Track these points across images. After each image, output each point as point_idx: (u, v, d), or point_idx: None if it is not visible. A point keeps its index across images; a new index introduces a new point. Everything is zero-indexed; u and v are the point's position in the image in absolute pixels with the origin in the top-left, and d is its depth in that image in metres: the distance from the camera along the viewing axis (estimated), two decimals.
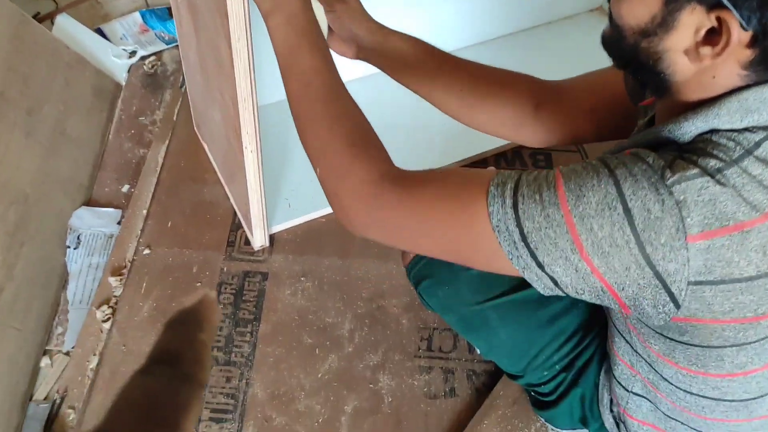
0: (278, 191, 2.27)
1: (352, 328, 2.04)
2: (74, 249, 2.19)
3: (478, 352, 1.90)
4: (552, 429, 1.76)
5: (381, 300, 2.10)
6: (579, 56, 1.95)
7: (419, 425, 1.87)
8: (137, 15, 2.92)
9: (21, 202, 2.03)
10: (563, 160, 2.45)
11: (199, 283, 2.10)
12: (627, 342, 1.36)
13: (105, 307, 2.05)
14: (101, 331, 2.01)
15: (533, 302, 1.52)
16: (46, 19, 2.72)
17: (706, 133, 1.01)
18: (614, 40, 1.08)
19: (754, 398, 1.22)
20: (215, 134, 2.15)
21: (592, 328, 1.55)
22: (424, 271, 1.63)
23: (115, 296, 2.08)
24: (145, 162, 2.41)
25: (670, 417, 1.36)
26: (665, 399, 1.33)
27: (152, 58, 2.81)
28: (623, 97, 1.39)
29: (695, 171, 0.96)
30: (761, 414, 1.25)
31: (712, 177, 0.95)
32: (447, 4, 2.61)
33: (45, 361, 1.99)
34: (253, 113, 1.71)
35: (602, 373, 1.53)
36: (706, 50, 0.96)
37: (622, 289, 1.03)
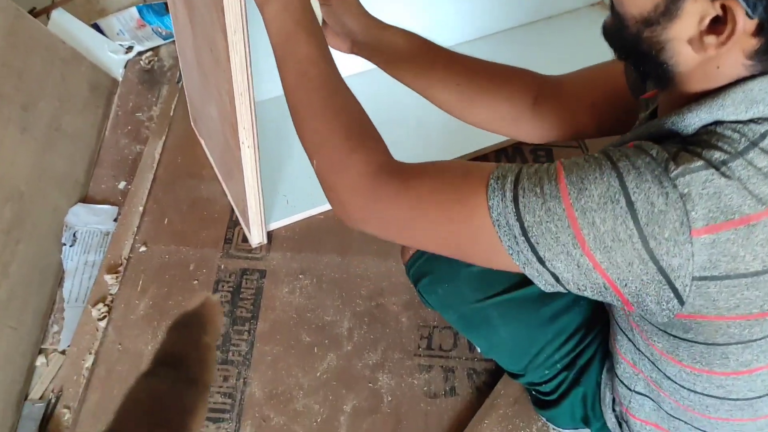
0: (276, 188, 2.26)
1: (351, 327, 2.03)
2: (70, 246, 2.18)
3: (479, 350, 1.89)
4: (553, 428, 1.75)
5: (380, 298, 2.09)
6: (580, 51, 1.94)
7: (419, 425, 1.85)
8: (134, 10, 2.90)
9: (16, 199, 2.02)
10: (564, 155, 2.40)
11: (196, 281, 2.08)
12: (629, 340, 1.34)
13: (101, 305, 2.03)
14: (97, 330, 1.99)
15: (534, 300, 1.51)
16: (41, 14, 2.71)
17: (711, 124, 1.00)
18: (616, 30, 1.07)
19: (760, 397, 1.20)
20: (212, 130, 2.14)
21: (594, 326, 1.54)
22: (424, 269, 1.62)
23: (111, 294, 2.06)
24: (141, 158, 2.40)
25: (673, 416, 1.35)
26: (668, 398, 1.31)
27: (149, 53, 2.81)
28: (624, 91, 1.38)
29: (700, 163, 0.94)
30: (767, 413, 1.24)
31: (717, 169, 0.94)
32: None
33: (41, 360, 1.98)
34: (250, 108, 1.69)
35: (604, 371, 1.52)
36: (711, 39, 0.94)
37: (625, 285, 1.02)
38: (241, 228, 2.21)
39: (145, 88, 2.67)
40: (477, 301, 1.55)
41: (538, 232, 1.01)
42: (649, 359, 1.30)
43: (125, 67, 2.74)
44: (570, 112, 1.47)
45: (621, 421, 1.50)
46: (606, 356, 1.52)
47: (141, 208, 2.25)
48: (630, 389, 1.41)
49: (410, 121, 2.39)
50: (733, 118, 0.98)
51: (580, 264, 1.01)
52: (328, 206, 1.92)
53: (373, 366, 1.95)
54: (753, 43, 0.93)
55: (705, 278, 0.98)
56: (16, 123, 2.09)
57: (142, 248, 2.15)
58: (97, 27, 2.81)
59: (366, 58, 1.56)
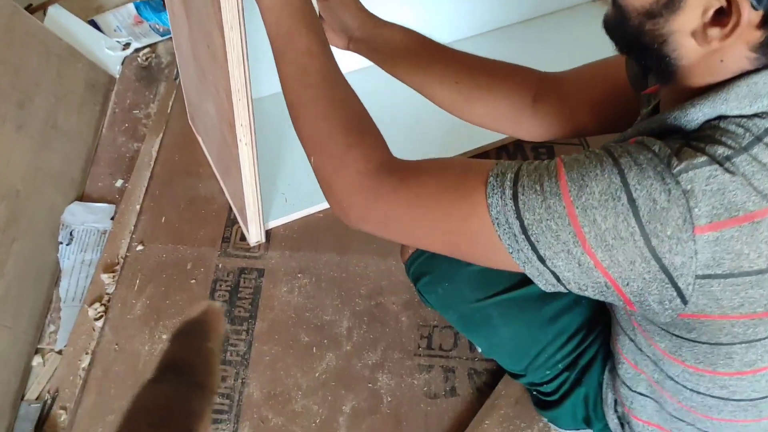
0: (274, 185, 2.25)
1: (351, 326, 2.01)
2: (67, 245, 2.17)
3: (479, 350, 1.88)
4: (555, 429, 1.74)
5: (380, 297, 2.07)
6: (580, 48, 1.94)
7: (419, 425, 1.84)
8: (131, 6, 2.90)
9: (12, 197, 2.01)
10: (565, 152, 2.39)
11: (193, 281, 2.07)
12: (631, 340, 1.33)
13: (97, 304, 2.02)
14: (93, 330, 1.98)
15: (535, 299, 1.50)
16: (38, 10, 2.71)
17: (714, 119, 0.98)
18: (617, 23, 1.05)
19: (764, 398, 1.19)
20: (210, 127, 2.13)
21: (596, 326, 1.53)
22: (424, 268, 1.61)
23: (107, 294, 2.05)
24: (138, 156, 2.40)
25: (676, 417, 1.34)
26: (671, 399, 1.30)
27: (146, 50, 2.80)
28: (625, 88, 1.37)
29: (703, 159, 0.93)
30: None
31: (721, 165, 0.92)
32: None
33: (37, 360, 1.97)
34: (248, 105, 1.68)
35: (606, 372, 1.51)
36: (714, 32, 0.93)
37: (627, 284, 1.00)
38: (239, 226, 2.20)
39: (142, 85, 2.66)
40: (477, 301, 1.54)
41: (538, 231, 1.00)
42: (651, 359, 1.29)
43: (122, 64, 2.73)
44: (570, 110, 1.46)
45: (623, 422, 1.49)
46: (608, 356, 1.51)
47: (138, 207, 2.24)
48: (632, 390, 1.40)
49: (409, 118, 2.38)
50: (737, 112, 0.96)
51: (581, 262, 1.00)
52: (327, 204, 1.90)
53: (373, 366, 1.94)
54: (757, 35, 0.92)
55: (708, 276, 0.96)
56: (12, 120, 2.08)
57: (139, 247, 2.14)
58: (94, 23, 2.80)
59: (363, 55, 1.55)
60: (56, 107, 2.30)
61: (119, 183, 2.35)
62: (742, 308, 1.00)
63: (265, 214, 2.11)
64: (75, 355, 1.94)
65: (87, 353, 1.94)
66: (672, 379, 1.26)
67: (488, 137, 2.38)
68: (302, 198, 2.22)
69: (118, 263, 2.11)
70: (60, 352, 1.98)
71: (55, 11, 2.69)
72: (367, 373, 1.92)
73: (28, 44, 2.25)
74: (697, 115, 0.99)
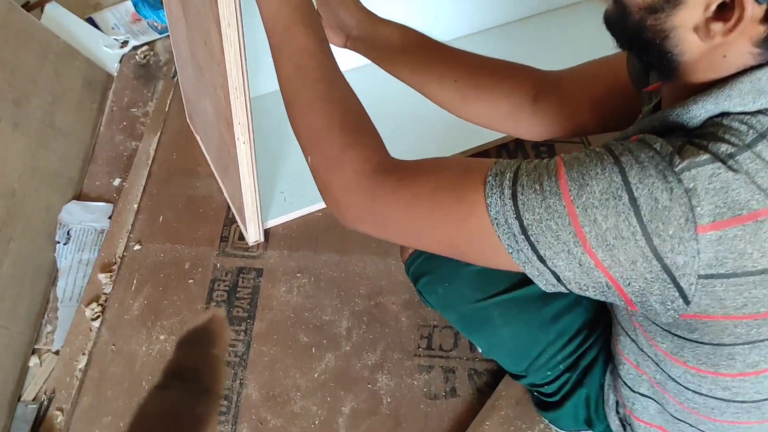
0: (273, 184, 2.24)
1: (350, 326, 2.01)
2: (64, 245, 2.16)
3: (480, 350, 1.86)
4: (556, 430, 1.73)
5: (379, 297, 2.07)
6: (580, 46, 1.94)
7: (419, 426, 1.83)
8: (129, 4, 2.89)
9: (8, 196, 2.01)
10: (566, 151, 2.39)
11: (191, 280, 2.07)
12: (632, 340, 1.32)
13: (94, 304, 2.02)
14: (90, 330, 1.98)
15: (536, 300, 1.49)
16: (35, 7, 2.70)
17: (717, 116, 0.97)
18: (618, 19, 1.04)
19: (766, 399, 1.17)
20: (207, 126, 2.12)
21: (597, 326, 1.52)
22: (424, 268, 1.60)
23: (104, 294, 2.05)
24: (136, 155, 2.39)
25: (678, 419, 1.33)
26: (673, 400, 1.29)
27: (145, 48, 2.80)
28: (626, 86, 1.36)
29: (706, 157, 0.92)
30: None
31: (724, 163, 0.91)
32: None
33: (34, 361, 1.96)
34: (246, 103, 1.68)
35: (608, 373, 1.50)
36: (717, 27, 0.92)
37: (628, 284, 0.99)
38: (238, 226, 2.19)
39: (140, 83, 2.66)
40: (477, 301, 1.53)
41: (538, 231, 0.99)
42: (652, 360, 1.28)
43: (120, 61, 2.73)
44: (570, 108, 1.46)
45: (625, 423, 1.48)
46: (610, 357, 1.50)
47: (135, 206, 2.23)
48: (633, 391, 1.39)
49: (408, 117, 2.37)
50: (740, 109, 0.95)
51: (582, 262, 0.99)
52: None
53: (372, 366, 1.93)
54: (761, 30, 0.91)
55: (711, 276, 0.95)
56: (9, 119, 2.07)
57: (137, 246, 2.13)
58: (91, 21, 2.80)
59: (361, 53, 1.55)
60: (53, 105, 2.29)
61: (117, 182, 2.35)
62: (745, 308, 0.99)
63: (263, 214, 2.11)
64: (71, 356, 1.93)
65: (84, 354, 1.93)
66: (674, 380, 1.25)
67: (488, 136, 2.37)
68: (301, 197, 2.22)
69: (116, 263, 2.10)
70: (57, 353, 1.97)
71: (52, 9, 2.69)
72: (367, 373, 1.92)
73: (25, 42, 2.24)
74: (699, 111, 0.97)
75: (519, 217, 1.00)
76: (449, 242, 1.12)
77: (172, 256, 2.12)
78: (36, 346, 1.99)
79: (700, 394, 1.21)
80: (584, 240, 0.96)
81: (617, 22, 1.05)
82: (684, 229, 0.92)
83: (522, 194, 1.00)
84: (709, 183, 0.90)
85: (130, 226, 2.18)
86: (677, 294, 0.98)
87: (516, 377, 1.66)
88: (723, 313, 1.00)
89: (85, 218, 2.22)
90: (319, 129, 1.19)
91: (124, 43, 2.76)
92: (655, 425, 1.39)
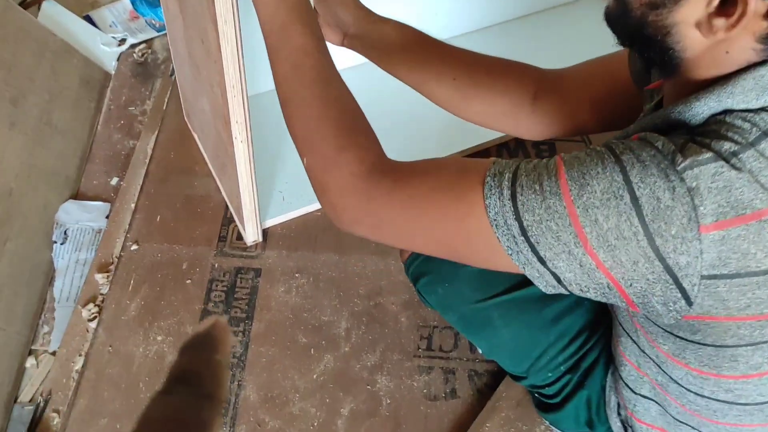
0: (271, 184, 2.24)
1: (349, 327, 2.00)
2: (61, 244, 2.15)
3: (480, 351, 1.86)
4: None
5: (379, 297, 2.06)
6: (580, 44, 1.94)
7: (419, 428, 1.82)
8: (127, 2, 2.89)
9: (5, 196, 2.00)
10: (568, 150, 2.39)
11: (189, 281, 2.05)
12: (633, 342, 1.31)
13: (91, 305, 2.00)
14: (87, 331, 1.97)
15: (536, 300, 1.49)
16: (32, 5, 2.71)
17: (720, 113, 0.97)
18: (619, 15, 1.04)
19: None
20: (205, 124, 2.11)
21: (599, 327, 1.51)
22: (423, 268, 1.60)
23: (101, 294, 2.04)
24: (134, 154, 2.38)
25: (679, 421, 1.32)
26: (675, 402, 1.29)
27: (142, 46, 2.79)
28: (627, 85, 1.35)
29: (708, 155, 0.91)
30: None
31: (727, 161, 0.90)
32: None
33: (30, 362, 1.95)
34: (243, 102, 1.67)
35: (609, 374, 1.50)
36: (720, 22, 0.91)
37: (630, 285, 0.98)
38: (236, 225, 2.19)
39: (138, 81, 2.65)
40: (477, 302, 1.53)
41: (538, 232, 0.99)
42: (654, 362, 1.27)
43: (118, 60, 2.73)
44: (571, 108, 1.45)
45: (626, 425, 1.48)
46: (611, 359, 1.49)
47: (133, 205, 2.22)
48: (635, 393, 1.38)
49: (406, 116, 2.36)
50: (743, 106, 0.94)
51: (583, 263, 0.98)
52: None
53: (372, 368, 1.92)
54: (764, 26, 0.90)
55: (714, 277, 0.94)
56: (5, 118, 2.07)
57: (134, 246, 2.12)
58: (89, 19, 2.80)
59: (358, 51, 1.54)
60: (50, 104, 2.29)
61: (114, 181, 2.34)
62: (748, 309, 0.98)
63: (262, 213, 2.10)
64: (68, 357, 1.92)
65: (80, 355, 1.92)
66: (675, 382, 1.24)
67: (488, 134, 2.36)
68: (300, 196, 2.21)
69: (113, 263, 2.09)
70: (54, 354, 1.96)
71: (49, 6, 2.69)
72: (366, 374, 1.91)
73: (22, 40, 2.24)
74: (702, 109, 0.97)
75: (518, 218, 0.99)
76: (446, 244, 1.11)
77: (170, 256, 2.11)
78: (33, 347, 1.98)
79: (703, 396, 1.21)
80: (585, 241, 0.96)
81: (618, 19, 1.04)
82: (687, 228, 0.91)
83: (521, 195, 0.99)
84: (712, 182, 0.90)
85: (127, 226, 2.17)
86: (679, 295, 0.97)
87: (516, 378, 1.65)
88: (726, 314, 1.00)
89: (82, 218, 2.21)
90: (314, 130, 1.18)
91: (122, 41, 2.76)
92: (657, 427, 1.38)
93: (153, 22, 2.82)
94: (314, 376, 1.89)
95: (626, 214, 0.93)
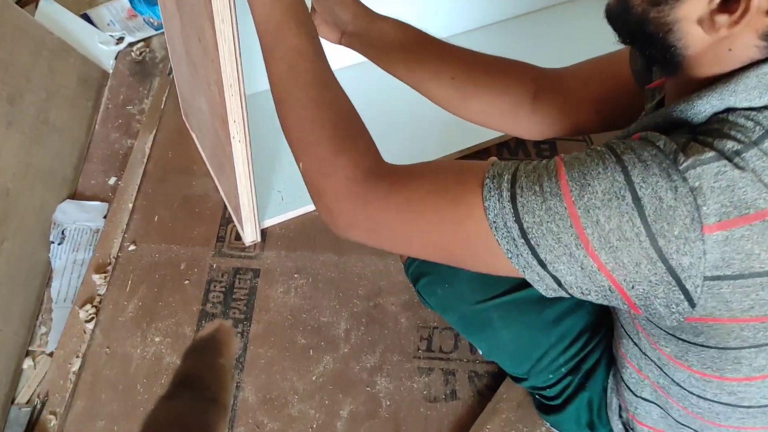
0: (270, 183, 2.23)
1: (348, 328, 1.99)
2: (58, 245, 2.14)
3: (480, 352, 1.86)
4: None
5: (378, 298, 2.05)
6: (581, 42, 1.94)
7: (418, 430, 1.82)
8: (125, 0, 2.89)
9: (2, 195, 1.99)
10: (569, 149, 2.40)
11: (187, 281, 2.05)
12: (635, 344, 1.31)
13: (88, 306, 1.99)
14: (84, 332, 1.95)
15: (537, 301, 1.48)
16: (29, 3, 2.71)
17: (722, 112, 0.96)
18: (620, 12, 1.03)
19: None
20: (203, 123, 2.11)
21: (600, 329, 1.51)
22: (423, 268, 1.60)
23: (99, 295, 2.03)
24: (131, 153, 2.37)
25: (682, 424, 1.31)
26: (677, 405, 1.28)
27: (140, 44, 2.79)
28: (628, 84, 1.35)
29: (711, 154, 0.90)
30: None
31: (730, 160, 0.89)
32: None
33: (28, 363, 1.94)
34: (240, 101, 1.66)
35: (610, 376, 1.49)
36: (722, 19, 0.90)
37: (632, 287, 0.97)
38: (234, 225, 2.18)
39: (136, 80, 2.65)
40: (477, 303, 1.52)
41: (538, 234, 0.98)
42: (655, 364, 1.26)
43: (116, 58, 2.72)
44: (571, 107, 1.44)
45: (628, 427, 1.47)
46: (612, 360, 1.48)
47: (130, 205, 2.22)
48: (636, 395, 1.37)
49: (405, 116, 2.36)
50: (746, 104, 0.94)
51: (584, 265, 0.97)
52: None
53: (371, 369, 1.91)
54: (767, 23, 0.89)
55: (717, 278, 0.93)
56: (2, 117, 2.06)
57: (132, 247, 2.11)
58: (86, 17, 2.79)
59: (356, 50, 1.53)
60: (48, 103, 2.28)
61: (112, 180, 2.33)
62: (752, 311, 0.97)
63: (260, 213, 2.09)
64: (65, 359, 1.91)
65: (78, 356, 1.91)
66: (678, 384, 1.23)
67: (488, 134, 2.36)
68: (299, 196, 2.20)
69: (110, 263, 2.08)
70: (51, 355, 1.95)
71: (46, 5, 2.69)
72: (366, 376, 1.90)
73: (19, 38, 2.23)
74: (704, 107, 0.96)
75: (519, 220, 0.98)
76: (444, 248, 1.10)
77: (168, 257, 2.10)
78: (30, 348, 1.97)
79: (705, 398, 1.20)
80: (587, 242, 0.95)
81: (619, 16, 1.03)
82: (690, 229, 0.90)
83: (521, 196, 0.98)
84: (715, 181, 0.89)
85: (125, 226, 2.16)
86: (682, 297, 0.96)
87: (517, 380, 1.65)
88: (729, 316, 0.99)
89: (79, 217, 2.20)
90: (309, 133, 1.17)
91: (120, 40, 2.75)
92: (659, 430, 1.38)
93: (151, 20, 2.82)
94: (313, 378, 1.89)
95: (628, 215, 0.92)
